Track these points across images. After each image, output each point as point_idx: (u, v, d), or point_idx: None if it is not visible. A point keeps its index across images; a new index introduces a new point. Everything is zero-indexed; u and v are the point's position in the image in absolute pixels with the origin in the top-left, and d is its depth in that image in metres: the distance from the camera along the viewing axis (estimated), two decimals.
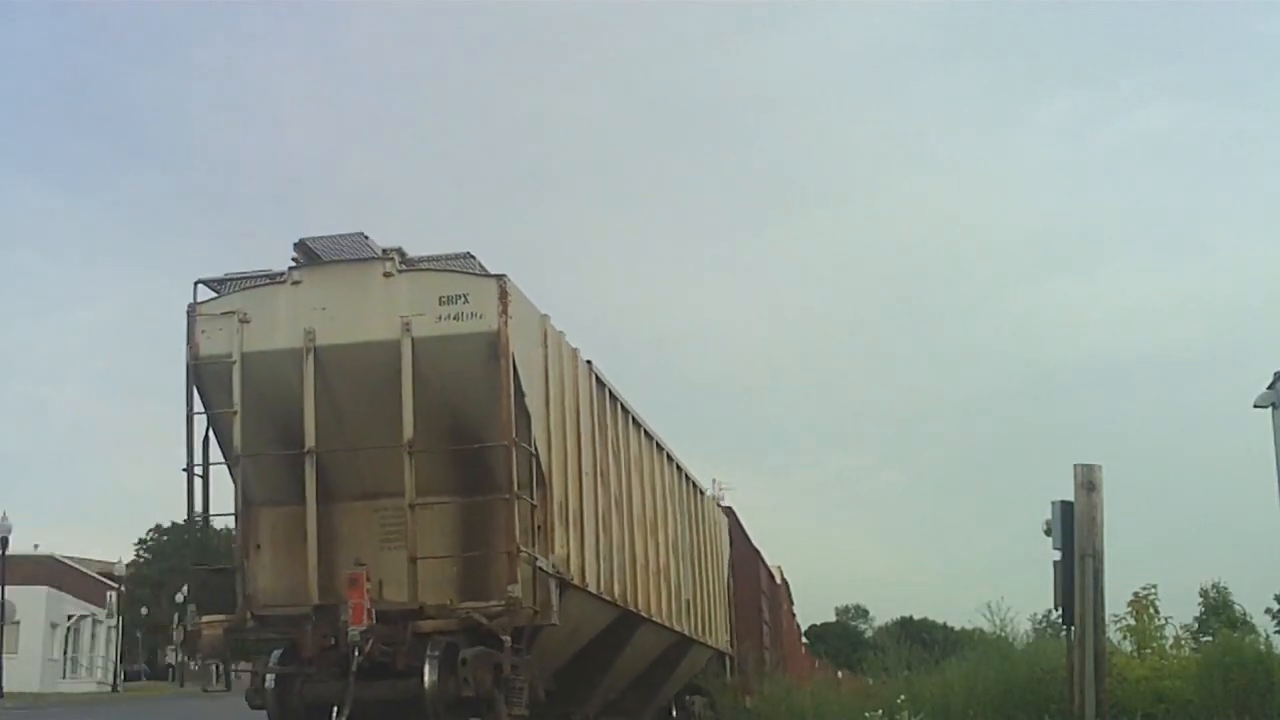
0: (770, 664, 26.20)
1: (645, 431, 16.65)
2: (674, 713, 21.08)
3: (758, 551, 28.23)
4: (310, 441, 11.61)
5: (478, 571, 11.50)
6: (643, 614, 15.58)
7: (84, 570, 58.52)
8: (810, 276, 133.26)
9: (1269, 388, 15.21)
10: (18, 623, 45.85)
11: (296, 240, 12.07)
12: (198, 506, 12.23)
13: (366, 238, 11.94)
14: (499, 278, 11.61)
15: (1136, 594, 14.56)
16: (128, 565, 64.27)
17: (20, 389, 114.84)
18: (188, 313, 12.27)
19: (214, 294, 12.39)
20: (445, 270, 11.90)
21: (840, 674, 36.15)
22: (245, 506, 12.14)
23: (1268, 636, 15.53)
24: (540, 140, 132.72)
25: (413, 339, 11.48)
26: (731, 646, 22.93)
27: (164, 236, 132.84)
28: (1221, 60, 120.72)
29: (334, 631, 10.94)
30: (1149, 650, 14.39)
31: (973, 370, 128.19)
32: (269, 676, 11.54)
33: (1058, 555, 12.97)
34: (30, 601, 46.96)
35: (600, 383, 14.54)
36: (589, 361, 14.10)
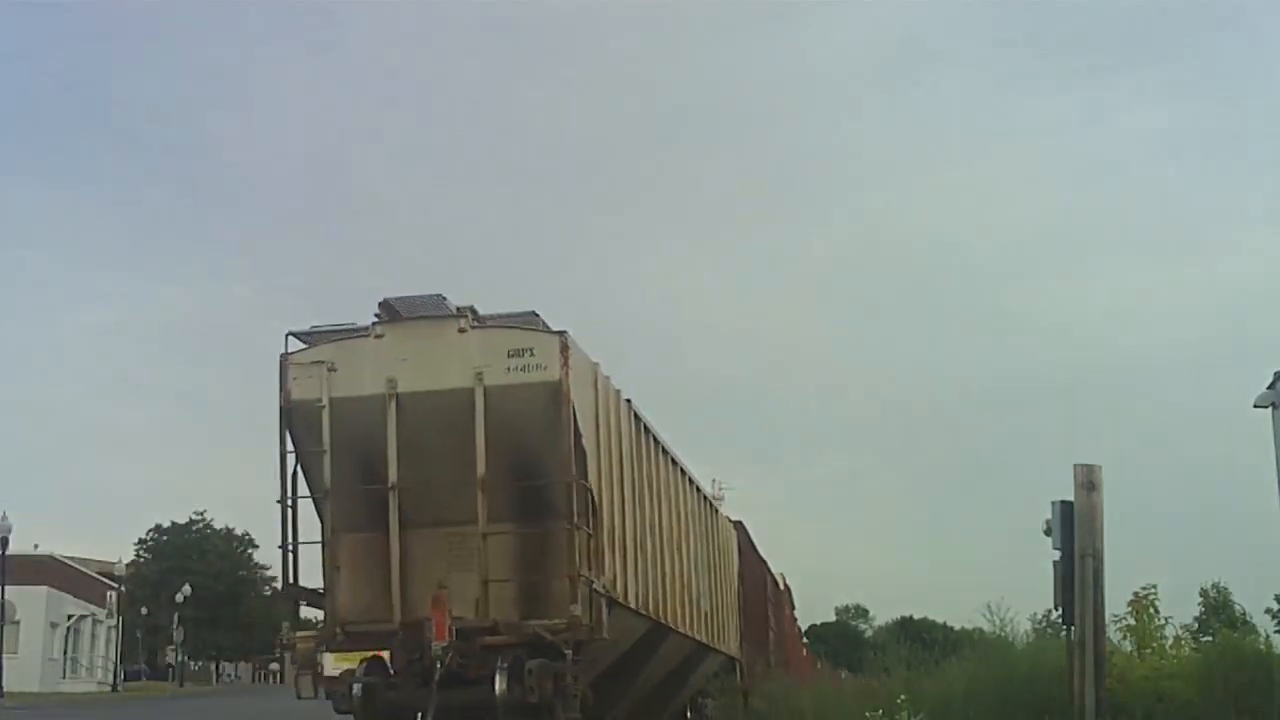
0: (774, 667, 26.81)
1: (671, 458, 18.17)
2: (689, 714, 22.12)
3: (764, 561, 29.50)
4: (393, 477, 13.10)
5: (536, 591, 13.07)
6: (669, 625, 16.92)
7: (84, 570, 58.53)
8: (810, 276, 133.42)
9: (1269, 388, 15.20)
10: (18, 623, 45.85)
11: (381, 300, 13.60)
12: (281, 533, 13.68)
13: (444, 298, 13.48)
14: (560, 334, 13.21)
15: (1136, 594, 14.56)
16: (128, 565, 64.29)
17: (20, 389, 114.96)
18: (280, 361, 13.73)
19: (302, 344, 13.83)
20: (513, 327, 13.45)
21: (843, 674, 36.13)
22: (326, 533, 13.55)
23: (1268, 636, 15.56)
24: (539, 139, 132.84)
25: (485, 387, 13.00)
26: (740, 651, 24.08)
27: (164, 237, 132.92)
28: (1222, 59, 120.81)
29: (419, 646, 12.35)
30: (1149, 650, 14.38)
31: (973, 370, 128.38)
32: (356, 685, 12.87)
33: (1058, 555, 12.97)
34: (30, 601, 46.96)
35: (637, 417, 16.11)
36: (628, 400, 15.67)
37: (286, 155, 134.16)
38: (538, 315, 13.68)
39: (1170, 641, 14.71)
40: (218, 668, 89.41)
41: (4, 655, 40.34)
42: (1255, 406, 15.41)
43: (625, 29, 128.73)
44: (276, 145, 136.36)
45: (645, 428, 16.52)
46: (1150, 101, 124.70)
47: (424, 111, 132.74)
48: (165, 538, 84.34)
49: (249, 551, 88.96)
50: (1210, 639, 15.26)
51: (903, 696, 14.28)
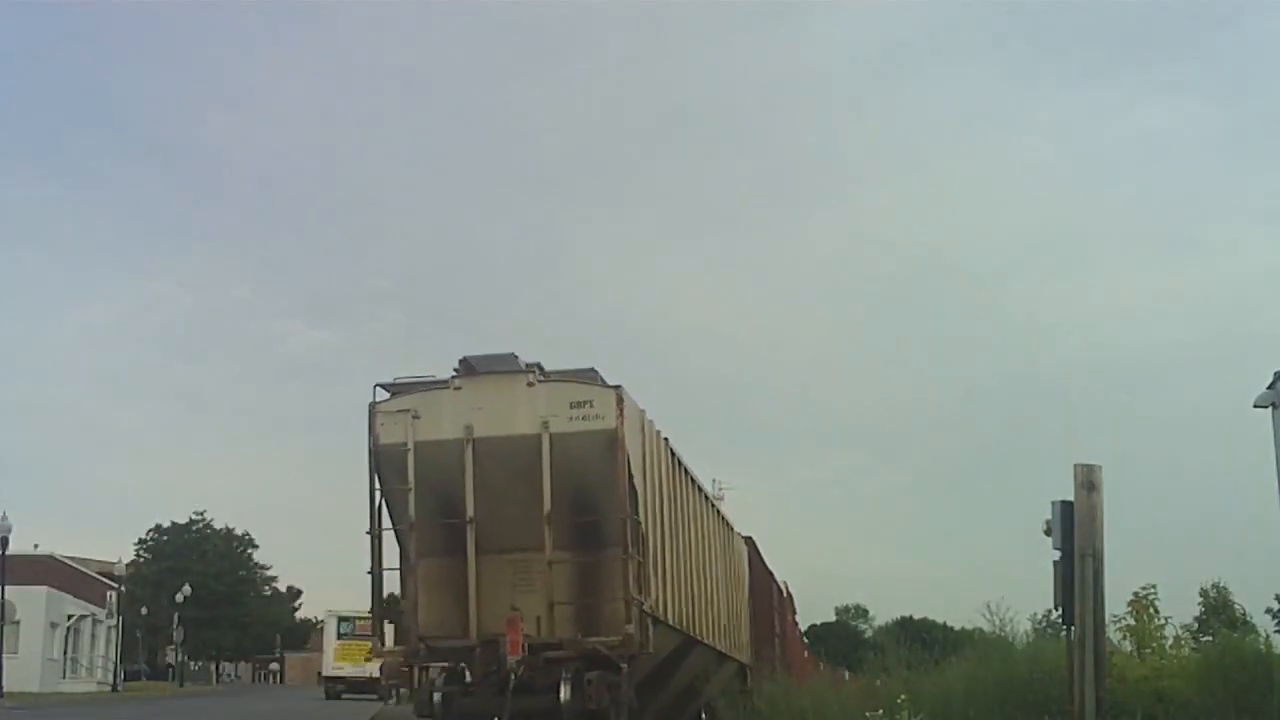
0: (779, 670, 27.78)
1: (697, 486, 20.13)
2: (703, 716, 23.32)
3: (770, 572, 31.18)
4: (470, 512, 14.97)
5: (591, 612, 14.81)
6: (697, 638, 18.83)
7: (84, 570, 58.49)
8: (809, 275, 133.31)
9: (1269, 388, 15.17)
10: (18, 623, 45.76)
11: (461, 358, 15.55)
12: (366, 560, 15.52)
13: (515, 356, 15.44)
14: (616, 388, 15.07)
15: (1136, 594, 14.55)
16: (128, 565, 64.21)
17: (20, 389, 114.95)
18: (369, 409, 15.58)
19: (388, 395, 15.72)
20: (575, 382, 15.32)
21: (848, 675, 36.21)
22: (404, 559, 15.47)
23: (1268, 636, 15.51)
24: (538, 138, 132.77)
25: (550, 434, 14.85)
26: (750, 658, 25.58)
27: (164, 237, 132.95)
28: (1221, 58, 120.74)
29: (496, 659, 14.33)
30: (1149, 650, 14.38)
31: (973, 369, 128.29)
32: (436, 694, 14.95)
33: (1058, 555, 12.97)
34: (30, 601, 46.88)
35: (673, 453, 17.99)
36: (666, 439, 17.50)
37: (286, 155, 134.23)
38: (596, 371, 15.64)
39: (1170, 641, 14.71)
40: (218, 668, 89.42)
41: (4, 655, 40.24)
42: (1255, 406, 15.38)
43: (621, 29, 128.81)
44: (276, 145, 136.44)
45: (679, 461, 18.39)
46: (1150, 101, 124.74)
47: (422, 111, 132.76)
48: (165, 538, 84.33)
49: (249, 551, 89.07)
50: (1210, 639, 15.25)
51: (903, 696, 14.29)
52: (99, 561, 61.87)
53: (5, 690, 39.19)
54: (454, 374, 15.58)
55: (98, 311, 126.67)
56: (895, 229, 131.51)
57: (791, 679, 24.29)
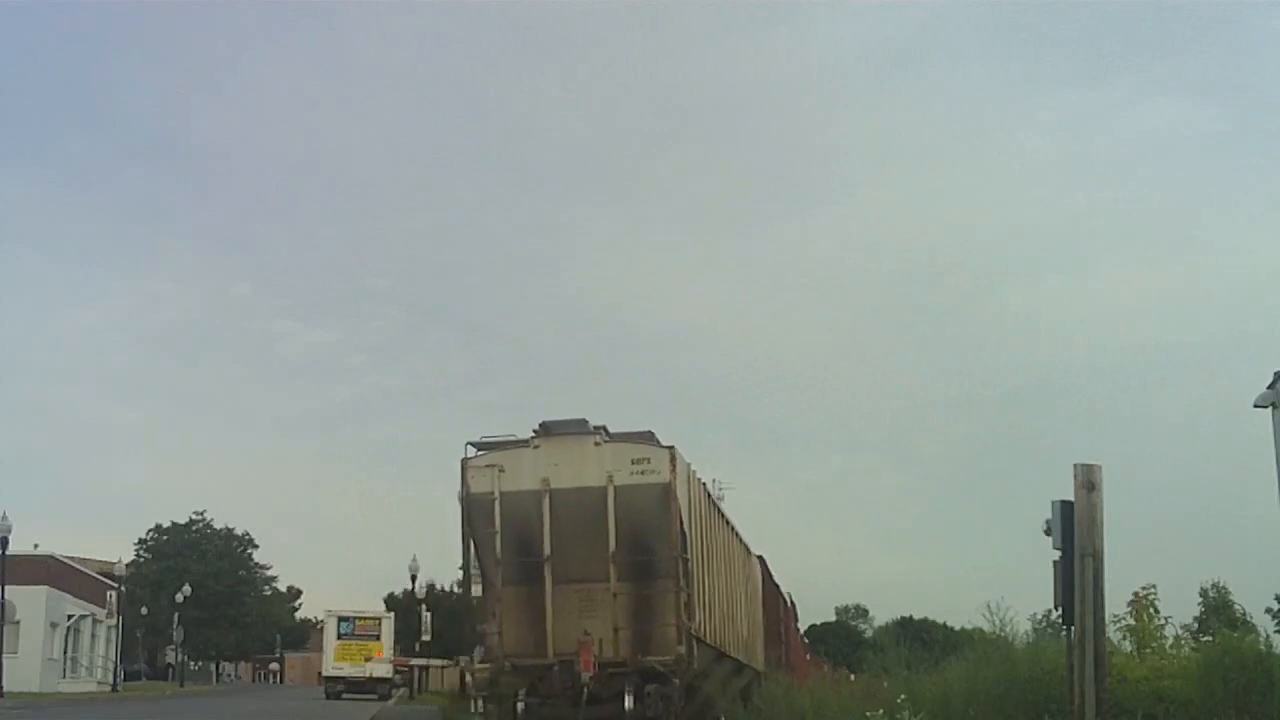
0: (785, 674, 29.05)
1: (726, 520, 22.91)
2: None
3: (778, 587, 34.02)
4: (547, 551, 17.77)
5: (645, 634, 17.63)
6: (725, 651, 21.53)
7: (84, 570, 58.43)
8: (809, 274, 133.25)
9: (1269, 388, 15.15)
10: (18, 623, 45.75)
11: (540, 422, 18.41)
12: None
13: (586, 421, 18.24)
14: (670, 448, 17.90)
15: (1136, 594, 14.55)
16: (128, 565, 64.17)
17: (20, 389, 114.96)
18: (461, 464, 18.36)
19: (477, 451, 18.51)
20: (635, 442, 18.15)
21: (853, 677, 36.40)
22: (489, 589, 18.29)
23: (1268, 636, 15.44)
24: (538, 138, 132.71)
25: (614, 486, 17.61)
26: (762, 665, 27.46)
27: (164, 236, 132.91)
28: (1221, 57, 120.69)
29: (571, 675, 17.17)
30: (1149, 650, 14.37)
31: (972, 369, 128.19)
32: (520, 704, 17.56)
33: (1058, 555, 12.96)
34: (30, 601, 46.84)
35: (709, 494, 20.92)
36: (704, 483, 20.40)
37: (285, 153, 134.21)
38: (653, 433, 18.41)
39: (1170, 641, 14.71)
40: (218, 667, 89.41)
41: (4, 655, 40.24)
42: (1255, 406, 15.37)
43: (620, 28, 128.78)
44: (275, 144, 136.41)
45: (713, 500, 21.24)
46: (1150, 101, 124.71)
47: (422, 110, 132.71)
48: (165, 538, 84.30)
49: (249, 551, 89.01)
50: (1210, 639, 15.23)
51: (903, 696, 14.28)
52: (99, 561, 61.82)
53: (5, 690, 39.19)
54: (533, 435, 18.44)
55: (98, 311, 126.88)
56: (895, 228, 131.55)
57: (792, 679, 24.66)
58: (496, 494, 17.97)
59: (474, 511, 18.20)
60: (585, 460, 17.91)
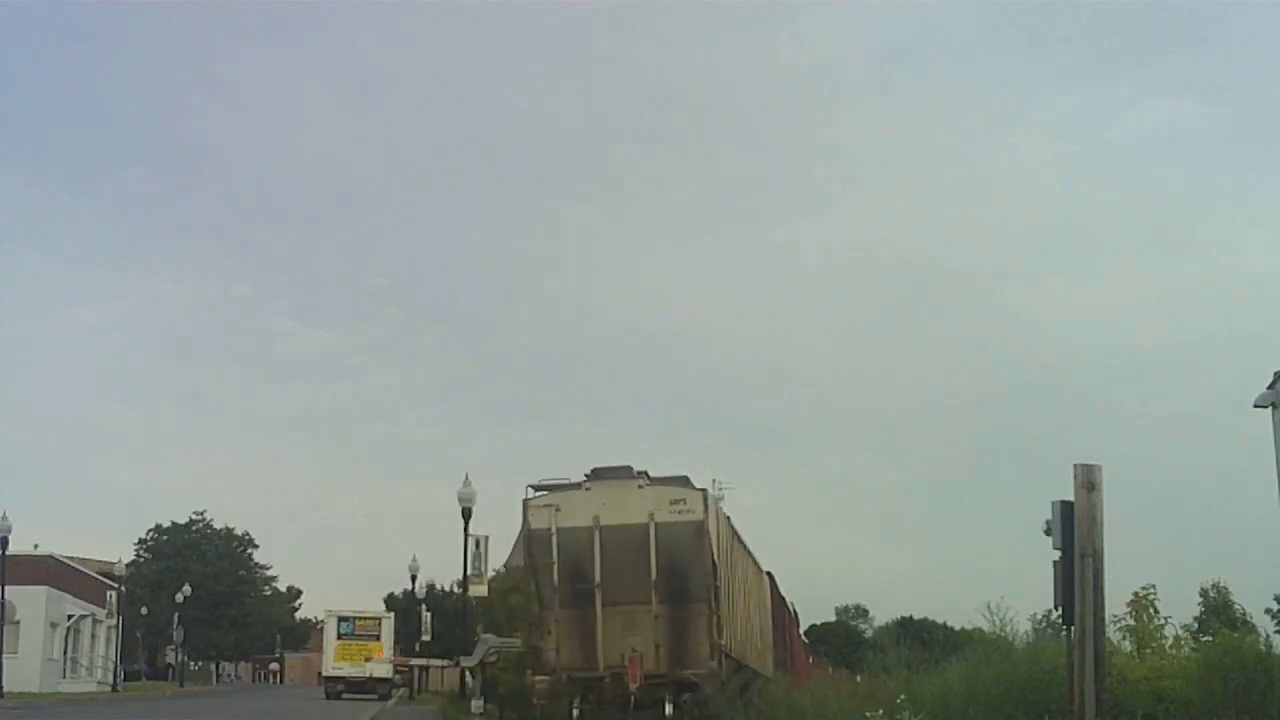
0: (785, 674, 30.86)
1: (744, 546, 25.81)
2: None
3: (784, 599, 36.50)
4: (597, 579, 20.41)
5: (680, 650, 20.23)
6: (743, 662, 23.90)
7: (84, 570, 58.43)
8: (809, 274, 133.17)
9: (1269, 388, 15.13)
10: (18, 623, 45.77)
11: (592, 468, 21.22)
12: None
13: (631, 467, 21.05)
14: (703, 491, 20.89)
15: (1136, 594, 14.56)
16: (128, 565, 64.18)
17: (20, 389, 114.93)
18: (523, 504, 21.08)
19: (536, 492, 21.29)
20: (673, 485, 20.78)
21: (859, 679, 36.63)
22: (543, 610, 21.05)
23: (1268, 636, 15.49)
24: (537, 138, 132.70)
25: (655, 524, 20.19)
26: (772, 671, 29.29)
27: (164, 236, 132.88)
28: (1221, 57, 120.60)
29: (621, 685, 19.82)
30: (1149, 650, 14.38)
31: (972, 369, 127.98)
32: (575, 710, 20.30)
33: (1058, 555, 12.96)
34: (30, 601, 46.85)
35: (732, 527, 23.93)
36: (728, 517, 23.64)
37: (285, 153, 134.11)
38: (688, 478, 21.19)
39: (1170, 641, 14.72)
40: (218, 667, 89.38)
41: (4, 655, 40.27)
42: (1255, 406, 15.35)
43: (619, 27, 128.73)
44: (275, 143, 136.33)
45: (735, 531, 24.24)
46: (1150, 100, 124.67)
47: (420, 109, 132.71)
48: (165, 538, 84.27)
49: (249, 551, 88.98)
50: (1210, 639, 15.24)
51: (903, 696, 14.28)
52: (99, 561, 61.82)
53: (5, 690, 39.23)
54: (585, 479, 21.11)
55: (98, 311, 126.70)
56: (895, 228, 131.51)
57: (792, 679, 25.62)
58: (554, 530, 20.62)
59: (534, 544, 21.08)
60: (630, 501, 20.49)
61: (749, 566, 26.53)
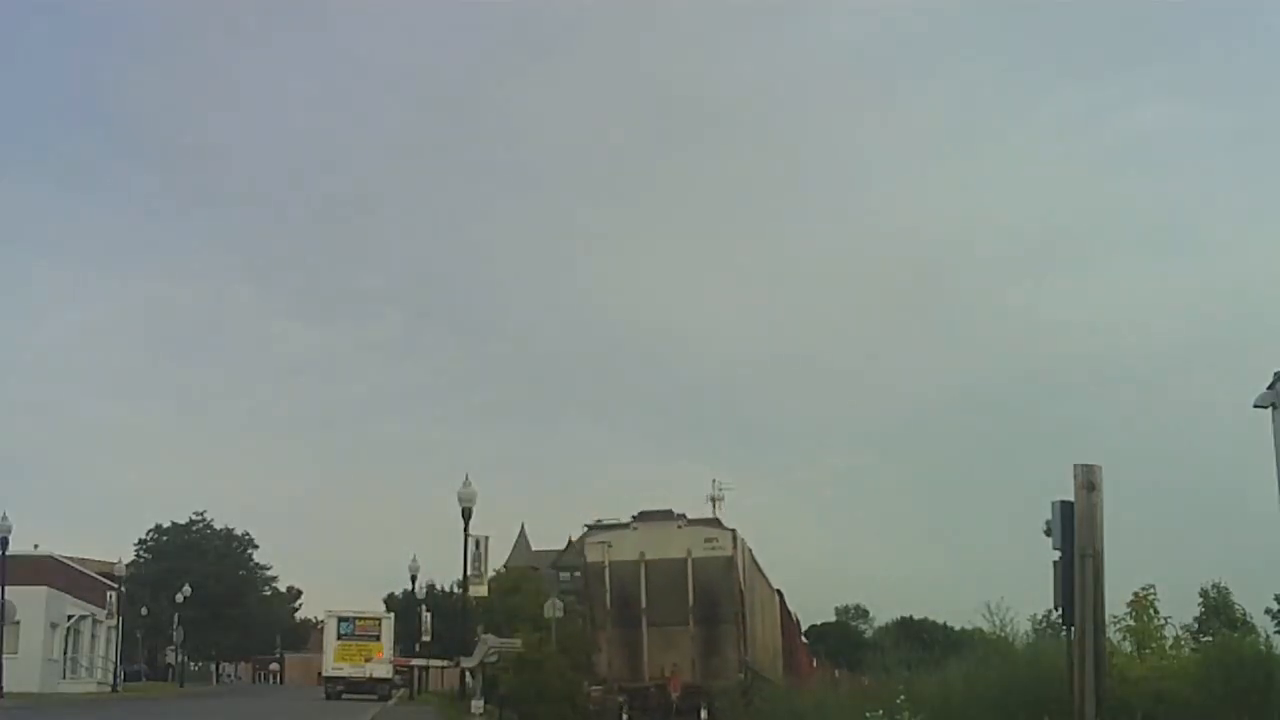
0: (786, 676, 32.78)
1: (762, 572, 29.18)
2: None
3: (789, 611, 39.28)
4: (643, 604, 24.14)
5: (714, 664, 23.91)
6: (759, 672, 26.30)
7: (84, 570, 58.47)
8: (808, 273, 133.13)
9: (1269, 388, 15.10)
10: (18, 623, 45.73)
11: (639, 511, 25.61)
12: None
13: (671, 510, 25.43)
14: (733, 530, 25.01)
15: (1136, 594, 14.53)
16: (128, 565, 64.17)
17: (20, 389, 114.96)
18: (581, 540, 25.47)
19: (591, 530, 25.78)
20: (706, 525, 25.50)
21: (866, 680, 36.85)
22: (596, 630, 25.03)
23: (1268, 636, 15.47)
24: (536, 137, 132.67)
25: (692, 559, 24.04)
26: (781, 677, 31.62)
27: (163, 236, 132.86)
28: (1221, 57, 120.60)
29: (664, 694, 23.42)
30: (1149, 650, 14.36)
31: (972, 369, 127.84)
32: (624, 714, 23.79)
33: (1058, 555, 12.95)
34: (30, 601, 46.84)
35: (754, 558, 27.08)
36: (750, 549, 26.44)
37: (285, 153, 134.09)
38: (719, 520, 26.40)
39: (1170, 641, 14.69)
40: (218, 668, 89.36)
41: (4, 655, 40.29)
42: (1255, 406, 15.33)
43: (620, 26, 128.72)
44: (275, 143, 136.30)
45: (756, 562, 27.56)
46: (1151, 101, 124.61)
47: (421, 110, 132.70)
48: (165, 538, 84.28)
49: (249, 551, 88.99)
50: (1210, 639, 15.23)
51: (903, 696, 14.27)
52: (99, 561, 61.83)
53: (5, 690, 39.25)
54: (633, 519, 25.05)
55: (97, 311, 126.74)
56: (895, 227, 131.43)
57: (792, 679, 26.98)
58: (606, 563, 24.43)
59: (590, 575, 25.34)
60: (671, 539, 24.30)
61: (765, 588, 30.13)
